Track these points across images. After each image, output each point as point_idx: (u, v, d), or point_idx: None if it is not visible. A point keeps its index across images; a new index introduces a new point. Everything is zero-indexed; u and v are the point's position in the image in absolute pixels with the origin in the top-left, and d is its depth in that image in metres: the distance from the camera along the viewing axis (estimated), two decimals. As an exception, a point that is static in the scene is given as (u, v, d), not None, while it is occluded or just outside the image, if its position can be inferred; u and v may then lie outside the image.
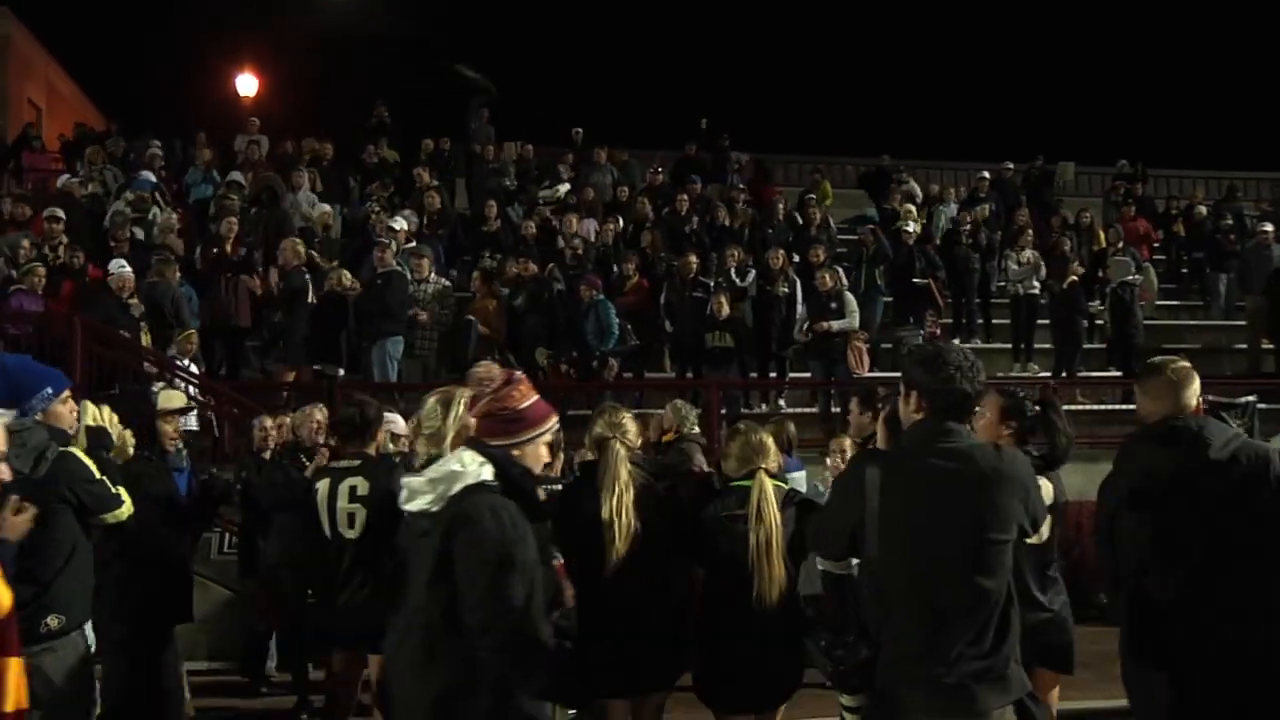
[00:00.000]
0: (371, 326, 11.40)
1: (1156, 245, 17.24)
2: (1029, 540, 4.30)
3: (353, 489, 5.13)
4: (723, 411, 11.36)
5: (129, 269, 10.80)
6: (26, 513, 3.89)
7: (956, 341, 14.53)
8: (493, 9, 34.92)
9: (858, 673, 3.41)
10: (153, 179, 14.34)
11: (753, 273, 13.21)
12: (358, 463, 5.25)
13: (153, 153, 15.48)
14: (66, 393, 4.45)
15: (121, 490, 4.56)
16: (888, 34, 37.88)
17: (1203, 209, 17.77)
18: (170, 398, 5.68)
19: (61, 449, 4.32)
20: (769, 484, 4.47)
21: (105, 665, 5.03)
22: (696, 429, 7.35)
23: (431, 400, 4.28)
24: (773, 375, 12.93)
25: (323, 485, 5.26)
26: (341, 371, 11.14)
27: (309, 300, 11.48)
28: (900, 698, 3.24)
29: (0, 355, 4.60)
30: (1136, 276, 14.08)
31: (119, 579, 5.07)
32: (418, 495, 3.31)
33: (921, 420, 3.36)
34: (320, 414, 7.29)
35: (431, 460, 3.97)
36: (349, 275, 11.71)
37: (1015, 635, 3.30)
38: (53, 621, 4.20)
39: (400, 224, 13.01)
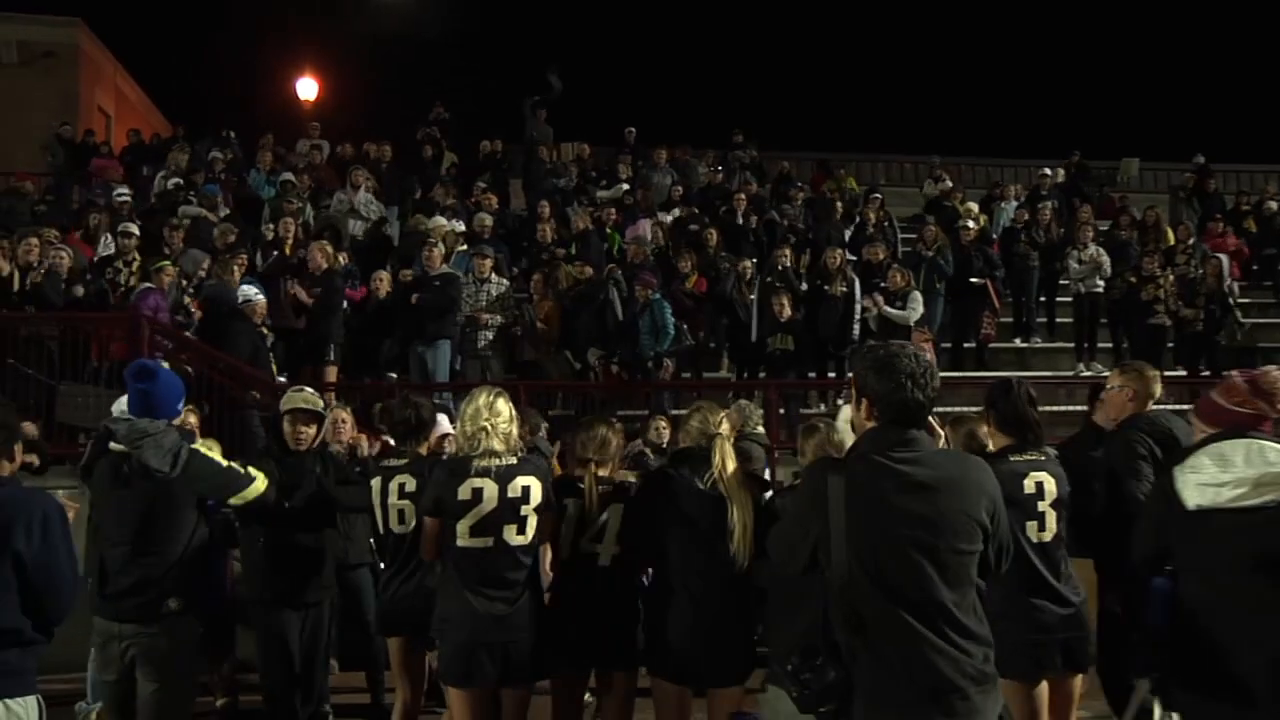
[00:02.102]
0: (426, 328, 11.50)
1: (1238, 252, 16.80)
2: (1034, 540, 4.52)
3: (401, 486, 5.33)
4: (780, 412, 11.29)
5: (262, 296, 10.56)
6: (70, 509, 4.10)
7: (1017, 341, 14.42)
8: (546, 9, 35.03)
9: (827, 696, 3.19)
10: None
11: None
12: (406, 461, 5.45)
13: (214, 156, 15.71)
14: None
15: (253, 469, 5.02)
16: (947, 31, 37.50)
17: (1274, 204, 17.36)
18: (290, 399, 5.91)
19: (191, 447, 4.84)
20: None
21: (257, 631, 5.75)
22: (761, 429, 7.33)
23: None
24: (831, 375, 12.83)
25: (376, 483, 5.46)
26: (394, 376, 11.31)
27: (343, 305, 11.58)
28: None
29: (151, 367, 5.09)
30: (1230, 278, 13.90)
31: (269, 560, 5.59)
32: (1228, 489, 3.55)
33: (875, 428, 3.23)
34: (346, 414, 7.69)
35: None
36: (387, 276, 11.85)
37: (987, 642, 3.21)
38: (173, 603, 4.65)
39: (454, 225, 13.07)
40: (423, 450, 5.58)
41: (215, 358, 9.93)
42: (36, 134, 18.45)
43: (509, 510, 4.61)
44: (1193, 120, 33.13)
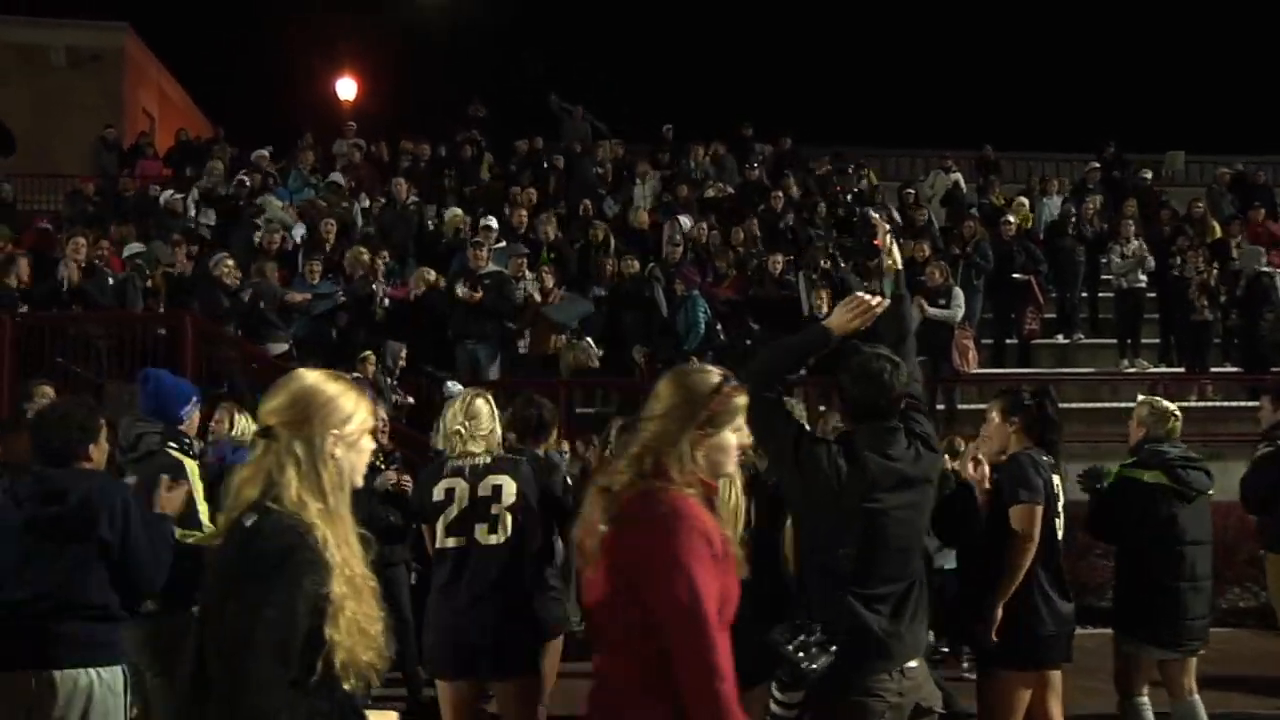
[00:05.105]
0: (480, 327, 11.57)
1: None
2: (1060, 535, 4.75)
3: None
4: (821, 409, 11.22)
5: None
6: (180, 488, 4.46)
7: (1059, 338, 14.25)
8: (582, 8, 34.98)
9: (819, 676, 3.20)
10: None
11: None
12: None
13: (259, 154, 15.84)
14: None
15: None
16: (989, 24, 37.14)
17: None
18: None
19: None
20: None
21: None
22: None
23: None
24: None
25: None
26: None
27: (375, 306, 11.59)
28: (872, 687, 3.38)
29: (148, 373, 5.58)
30: (1272, 268, 13.60)
31: None
32: None
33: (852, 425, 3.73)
34: (382, 412, 7.60)
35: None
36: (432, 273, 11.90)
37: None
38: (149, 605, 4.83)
39: (493, 223, 13.16)
40: (541, 450, 5.53)
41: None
42: (83, 136, 18.78)
43: (481, 509, 4.60)
44: (1239, 113, 32.57)
